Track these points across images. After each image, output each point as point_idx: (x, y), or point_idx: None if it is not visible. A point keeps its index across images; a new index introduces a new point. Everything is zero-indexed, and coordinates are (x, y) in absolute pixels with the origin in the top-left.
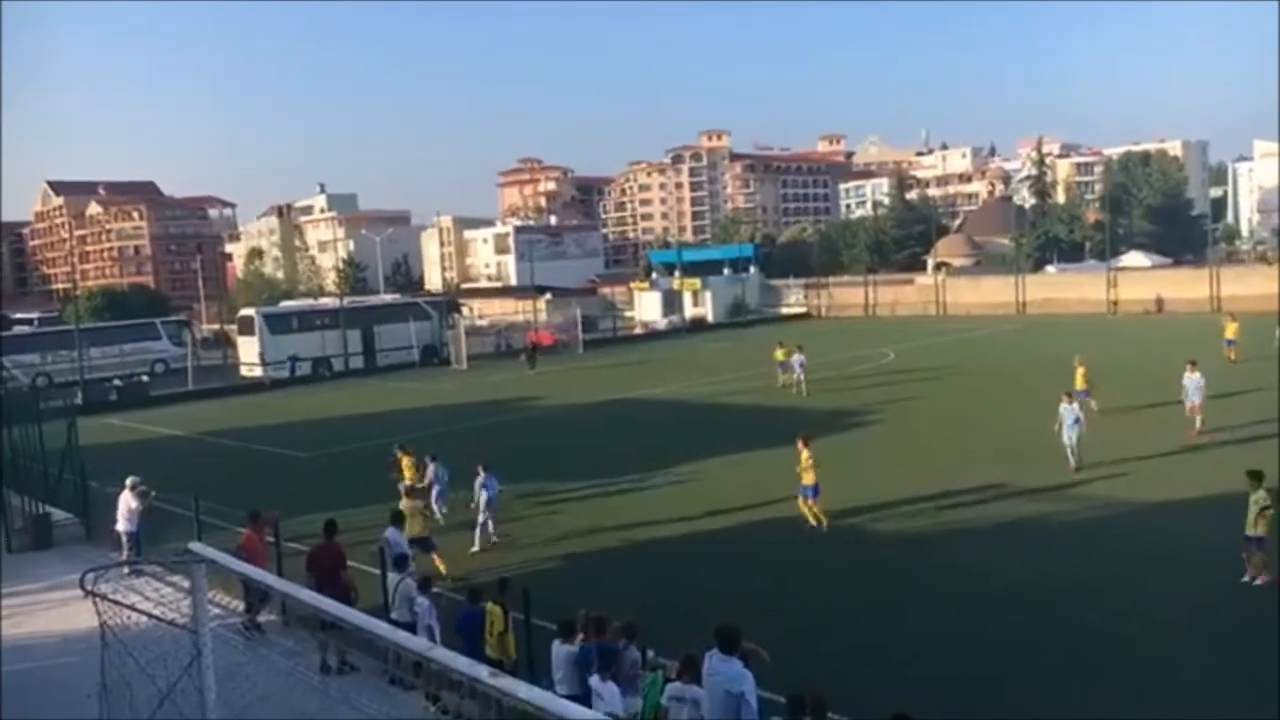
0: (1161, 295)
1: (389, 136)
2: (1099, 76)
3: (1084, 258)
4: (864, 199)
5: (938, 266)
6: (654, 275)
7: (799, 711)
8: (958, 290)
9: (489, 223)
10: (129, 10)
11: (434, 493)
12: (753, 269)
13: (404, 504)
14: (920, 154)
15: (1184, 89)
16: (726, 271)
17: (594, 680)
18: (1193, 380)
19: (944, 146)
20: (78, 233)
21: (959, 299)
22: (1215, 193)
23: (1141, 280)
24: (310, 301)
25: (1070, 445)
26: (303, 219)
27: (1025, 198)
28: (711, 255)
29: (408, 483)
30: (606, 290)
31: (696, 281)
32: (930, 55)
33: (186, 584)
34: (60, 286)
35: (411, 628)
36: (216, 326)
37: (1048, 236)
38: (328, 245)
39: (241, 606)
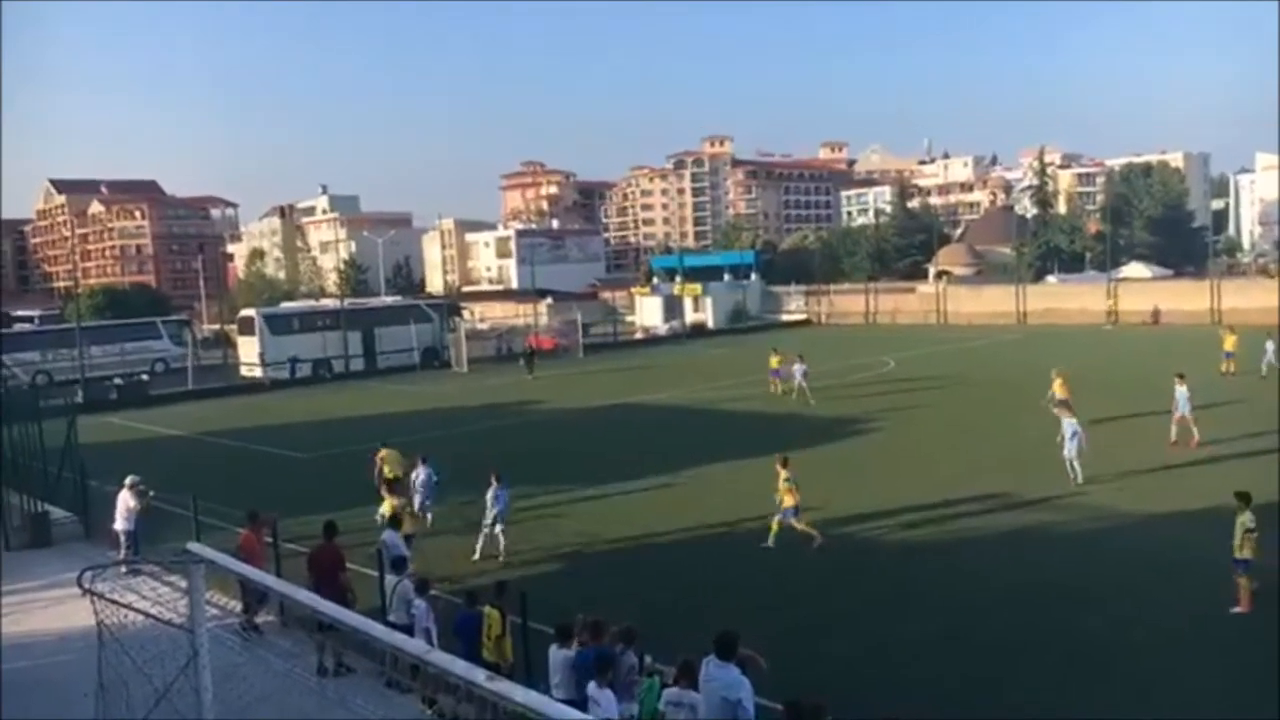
0: (1160, 307)
1: (391, 138)
2: (1101, 86)
3: (1085, 268)
4: (865, 207)
5: (939, 275)
6: (655, 280)
7: (797, 719)
8: (959, 299)
9: (491, 226)
10: (129, 10)
11: (419, 494)
12: (754, 275)
13: (386, 504)
14: (922, 162)
15: (1186, 101)
16: (727, 277)
17: (591, 686)
18: (1181, 393)
19: (946, 155)
20: (79, 231)
21: (960, 308)
22: (1217, 205)
23: (1142, 291)
24: (311, 303)
25: (1070, 459)
26: (305, 220)
27: (1027, 207)
28: (713, 261)
29: (388, 476)
30: (608, 295)
31: (697, 287)
32: (933, 63)
33: (184, 584)
34: (61, 285)
35: (409, 630)
36: (217, 326)
37: (1049, 246)
38: (329, 246)
39: (239, 607)
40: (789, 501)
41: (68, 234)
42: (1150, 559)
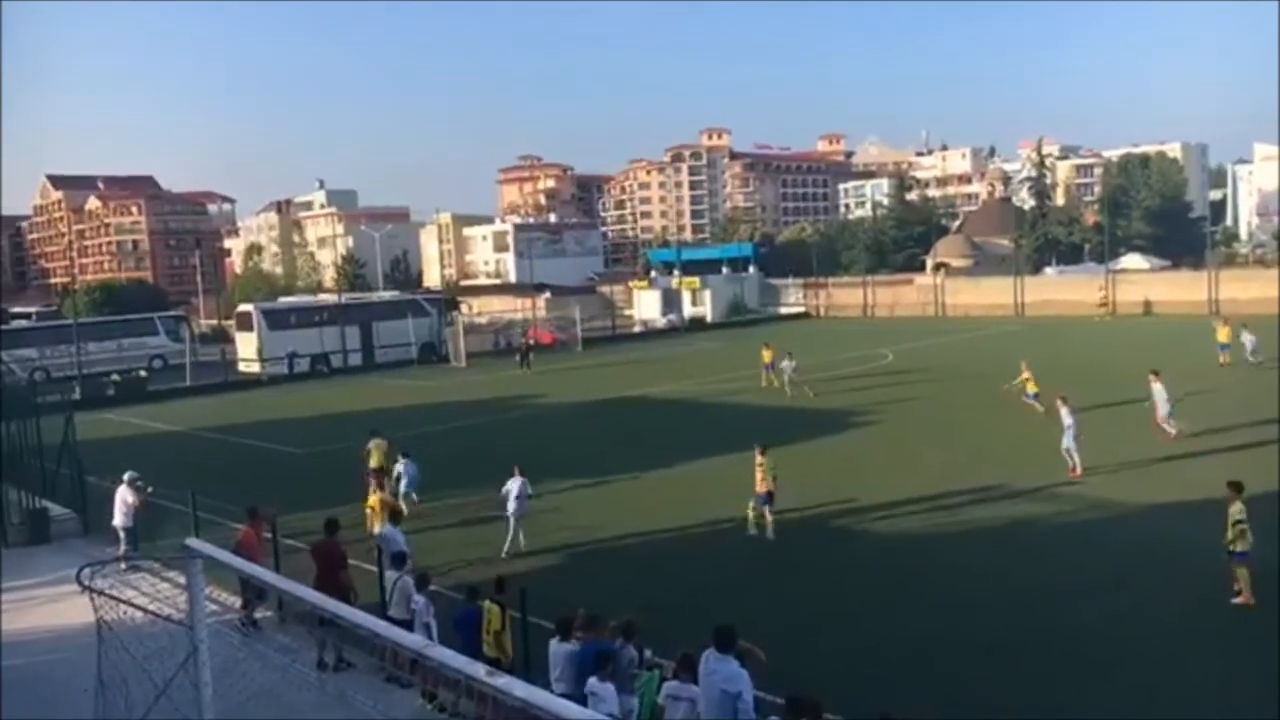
0: (1151, 298)
1: (388, 133)
2: (1099, 78)
3: (1083, 259)
4: (863, 199)
5: (937, 267)
6: (653, 274)
7: (797, 713)
8: (956, 291)
9: (488, 220)
10: (129, 9)
11: (402, 486)
12: (752, 268)
13: (374, 497)
14: (920, 154)
15: (1184, 91)
16: (725, 271)
17: (591, 680)
18: (1158, 390)
19: (944, 147)
20: (76, 227)
21: (958, 300)
22: (1215, 195)
23: (1140, 282)
24: (309, 298)
25: (1066, 449)
26: (302, 215)
27: (1025, 199)
28: (711, 254)
29: (374, 465)
30: (606, 288)
31: (695, 280)
32: (931, 55)
33: (183, 580)
34: (59, 281)
35: (409, 625)
36: (215, 322)
37: (1047, 238)
38: (327, 241)
39: (238, 603)
40: (762, 488)
41: (65, 230)
42: (1146, 549)
